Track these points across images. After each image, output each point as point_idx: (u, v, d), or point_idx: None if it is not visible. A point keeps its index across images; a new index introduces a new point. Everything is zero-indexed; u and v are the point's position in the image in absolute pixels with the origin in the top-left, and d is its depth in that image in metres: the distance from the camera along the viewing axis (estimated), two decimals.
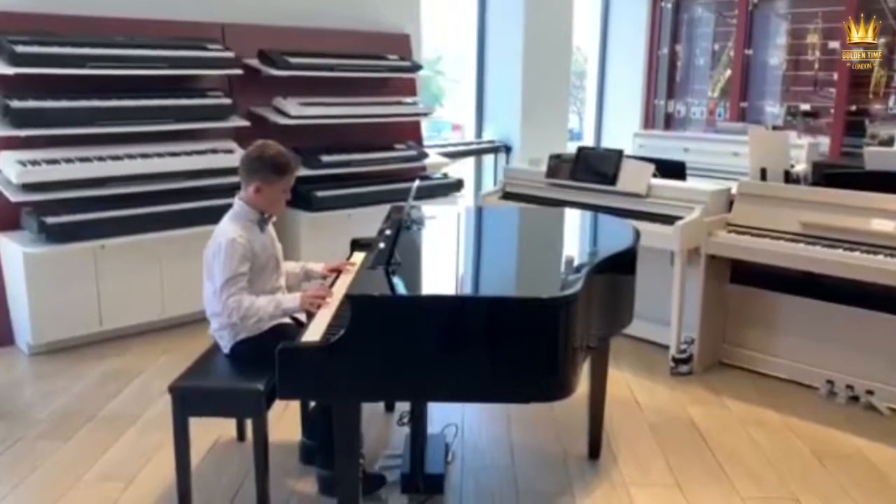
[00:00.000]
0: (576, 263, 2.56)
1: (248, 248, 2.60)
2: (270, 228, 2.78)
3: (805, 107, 6.73)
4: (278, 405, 2.62)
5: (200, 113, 4.53)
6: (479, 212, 4.01)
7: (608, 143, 7.83)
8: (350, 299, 2.21)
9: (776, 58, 6.97)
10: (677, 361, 3.88)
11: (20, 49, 3.85)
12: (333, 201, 4.87)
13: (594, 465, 3.02)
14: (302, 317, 2.71)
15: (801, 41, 6.74)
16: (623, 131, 7.57)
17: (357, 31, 5.46)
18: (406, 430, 2.95)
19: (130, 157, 4.19)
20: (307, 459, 2.92)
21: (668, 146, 6.58)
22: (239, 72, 4.71)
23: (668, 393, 3.70)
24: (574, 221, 3.49)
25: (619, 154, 4.22)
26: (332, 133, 5.15)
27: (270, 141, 2.70)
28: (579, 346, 2.33)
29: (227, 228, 2.62)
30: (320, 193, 4.82)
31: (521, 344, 2.19)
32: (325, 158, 4.93)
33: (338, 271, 2.89)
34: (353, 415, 2.29)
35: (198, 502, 2.61)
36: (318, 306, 2.51)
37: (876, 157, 4.25)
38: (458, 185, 5.63)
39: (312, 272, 2.97)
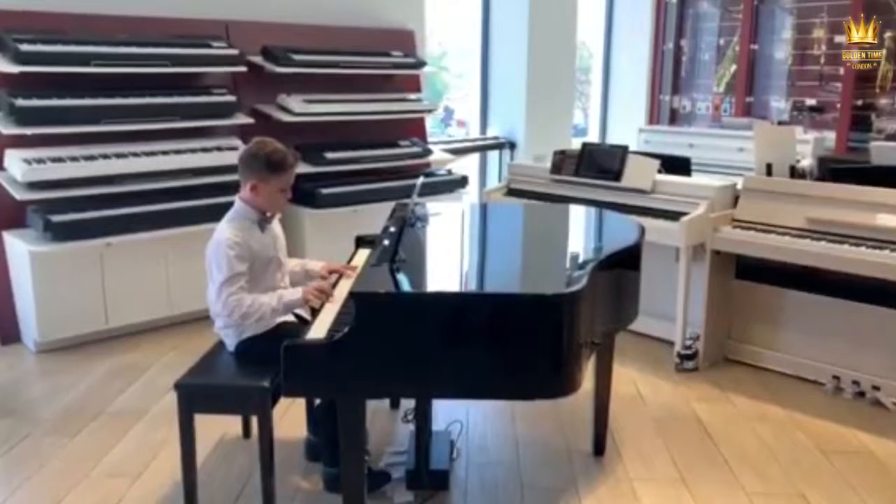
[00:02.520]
0: (580, 260, 2.56)
1: (245, 247, 2.59)
2: (274, 227, 2.77)
3: (811, 102, 6.70)
4: (283, 402, 2.62)
5: (205, 110, 4.54)
6: (484, 208, 4.01)
7: (613, 138, 7.81)
8: (354, 296, 2.21)
9: (782, 52, 6.94)
10: (682, 357, 3.88)
11: (25, 47, 3.86)
12: (338, 198, 4.87)
13: (599, 460, 3.02)
14: (306, 315, 2.71)
15: (806, 36, 6.71)
16: (628, 127, 7.55)
17: (361, 28, 5.46)
18: (411, 426, 2.96)
19: (135, 154, 4.21)
20: (312, 456, 2.93)
21: (673, 142, 6.56)
22: (243, 69, 4.71)
23: (673, 389, 3.69)
24: (578, 218, 3.49)
25: (623, 150, 4.21)
26: (337, 130, 5.15)
27: (267, 138, 2.68)
28: (584, 343, 2.32)
29: (225, 228, 2.61)
30: (325, 190, 4.83)
31: (526, 340, 2.19)
32: (330, 155, 4.94)
33: (339, 273, 2.86)
34: (357, 412, 2.29)
35: (203, 499, 2.62)
36: (321, 300, 2.51)
37: (882, 151, 4.24)
38: (462, 181, 5.63)
39: (313, 271, 2.96)
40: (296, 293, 2.60)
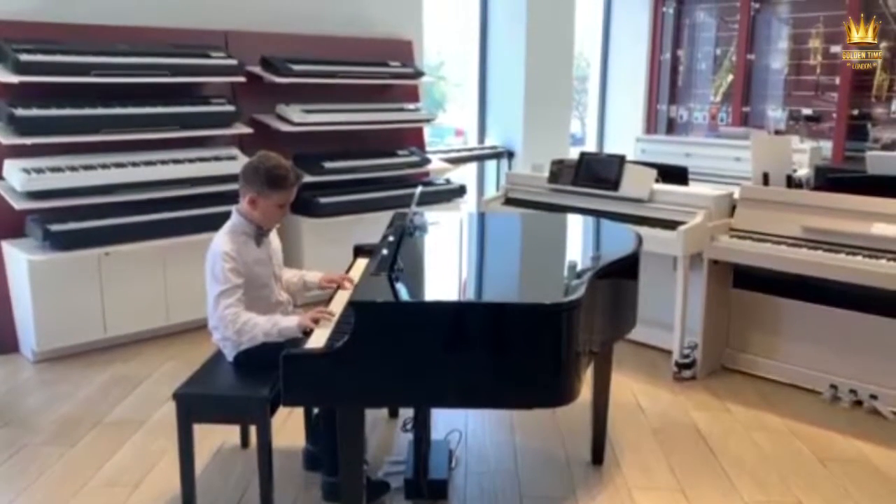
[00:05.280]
0: (578, 269, 2.56)
1: (240, 261, 2.59)
2: (271, 240, 2.77)
3: (807, 111, 6.75)
4: (282, 411, 2.62)
5: (204, 120, 4.55)
6: (482, 217, 4.02)
7: (610, 148, 7.85)
8: (354, 306, 2.22)
9: (778, 62, 6.99)
10: (680, 366, 3.88)
11: (24, 57, 3.87)
12: (336, 207, 4.89)
13: (597, 469, 3.02)
14: None
15: (802, 45, 6.76)
16: (625, 136, 7.58)
17: (360, 38, 5.48)
18: (410, 436, 2.95)
19: (134, 164, 4.22)
20: (311, 466, 2.92)
21: (671, 151, 6.60)
22: (242, 79, 4.73)
23: (671, 398, 3.69)
24: (576, 227, 3.50)
25: (621, 159, 4.22)
26: (335, 139, 5.17)
27: (272, 153, 2.67)
28: (582, 352, 2.33)
29: (221, 240, 2.61)
30: (323, 200, 4.84)
31: (525, 350, 2.20)
32: (328, 165, 4.95)
33: (336, 284, 2.86)
34: (356, 421, 2.29)
35: None
36: (318, 322, 2.47)
37: (878, 161, 4.27)
38: (460, 190, 5.65)
39: (311, 283, 2.96)
40: (291, 321, 2.54)
